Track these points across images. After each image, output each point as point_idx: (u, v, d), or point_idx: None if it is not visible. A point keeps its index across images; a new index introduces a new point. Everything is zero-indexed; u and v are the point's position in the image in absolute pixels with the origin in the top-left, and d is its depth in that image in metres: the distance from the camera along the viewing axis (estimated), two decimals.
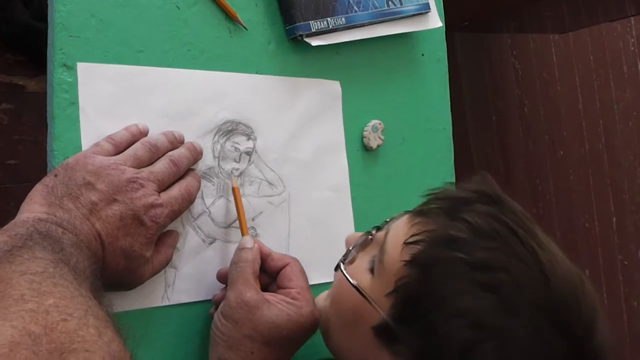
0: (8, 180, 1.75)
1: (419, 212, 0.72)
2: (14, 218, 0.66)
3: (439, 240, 0.67)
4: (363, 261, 0.76)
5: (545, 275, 0.63)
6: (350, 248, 0.78)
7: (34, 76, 1.88)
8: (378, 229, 0.78)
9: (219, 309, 0.79)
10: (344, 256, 0.78)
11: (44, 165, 0.79)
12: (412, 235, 0.69)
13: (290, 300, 0.80)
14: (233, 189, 0.87)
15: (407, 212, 0.75)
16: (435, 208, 0.71)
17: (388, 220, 0.78)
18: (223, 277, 0.85)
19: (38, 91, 1.86)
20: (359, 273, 0.74)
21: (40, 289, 0.53)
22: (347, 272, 0.74)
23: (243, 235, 0.84)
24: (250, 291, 0.78)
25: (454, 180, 1.14)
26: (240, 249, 0.82)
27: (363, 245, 0.79)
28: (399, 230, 0.72)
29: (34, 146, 1.78)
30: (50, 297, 0.52)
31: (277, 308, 0.78)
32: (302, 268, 0.85)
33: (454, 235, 0.66)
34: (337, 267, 0.76)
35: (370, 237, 0.78)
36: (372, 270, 0.74)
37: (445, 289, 0.63)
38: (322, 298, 0.83)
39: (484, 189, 0.71)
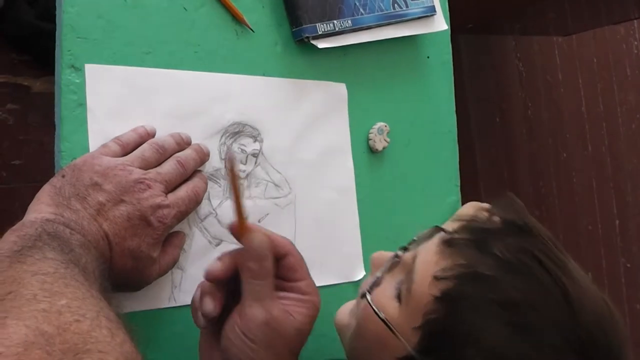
0: (13, 180, 1.75)
1: (448, 242, 0.70)
2: (19, 218, 0.66)
3: (469, 277, 0.66)
4: (389, 285, 0.74)
5: (574, 311, 0.63)
6: (379, 275, 0.76)
7: (40, 76, 1.88)
8: (405, 249, 0.77)
9: (235, 325, 0.73)
10: (370, 285, 0.75)
11: (49, 165, 0.79)
12: (442, 269, 0.68)
13: (303, 298, 0.76)
14: (230, 172, 0.73)
15: (435, 229, 0.74)
16: (465, 239, 0.70)
17: (415, 239, 0.77)
18: (217, 276, 0.75)
19: (43, 91, 1.87)
20: (385, 300, 0.73)
21: (52, 290, 0.53)
22: (374, 302, 0.72)
23: (247, 231, 0.74)
24: (275, 306, 0.73)
25: (458, 183, 1.14)
26: (260, 259, 0.73)
27: (390, 267, 0.77)
28: (428, 258, 0.71)
29: (39, 146, 1.79)
30: (63, 297, 0.52)
31: (300, 315, 0.74)
32: (299, 251, 0.79)
33: (483, 272, 0.65)
34: (363, 296, 0.74)
35: (396, 258, 0.76)
36: (398, 298, 0.72)
37: (474, 327, 0.63)
38: (345, 312, 0.81)
39: (513, 218, 0.70)
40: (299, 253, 0.78)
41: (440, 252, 0.70)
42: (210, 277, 0.75)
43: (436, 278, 0.67)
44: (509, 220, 0.70)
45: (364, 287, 0.76)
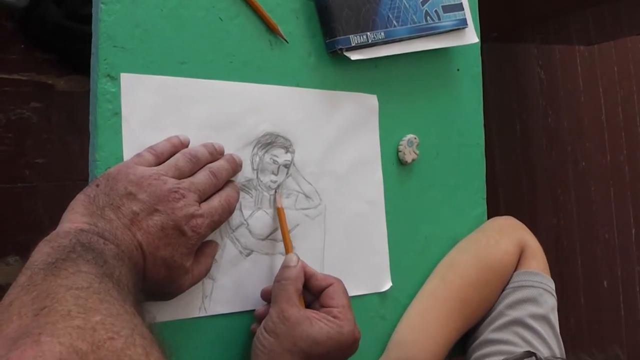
0: (36, 179, 1.76)
1: None
2: (41, 217, 0.67)
3: None
4: None
5: None
6: None
7: (64, 75, 1.88)
8: None
9: (262, 323, 0.80)
10: None
11: (71, 164, 0.79)
12: None
13: (332, 319, 0.80)
14: (278, 210, 0.88)
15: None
16: None
17: None
18: (266, 295, 0.86)
19: (67, 90, 1.87)
20: None
21: (87, 305, 0.53)
22: None
23: (287, 253, 0.85)
24: (292, 308, 0.79)
25: (484, 196, 1.14)
26: (285, 266, 0.83)
27: None
28: None
29: (62, 145, 1.78)
30: (97, 314, 0.52)
31: (318, 325, 0.79)
32: (345, 288, 0.85)
33: None
34: None
35: None
36: None
37: None
38: None
39: None
40: (344, 290, 0.85)
41: None
42: (261, 294, 0.87)
43: None
44: None
45: None
